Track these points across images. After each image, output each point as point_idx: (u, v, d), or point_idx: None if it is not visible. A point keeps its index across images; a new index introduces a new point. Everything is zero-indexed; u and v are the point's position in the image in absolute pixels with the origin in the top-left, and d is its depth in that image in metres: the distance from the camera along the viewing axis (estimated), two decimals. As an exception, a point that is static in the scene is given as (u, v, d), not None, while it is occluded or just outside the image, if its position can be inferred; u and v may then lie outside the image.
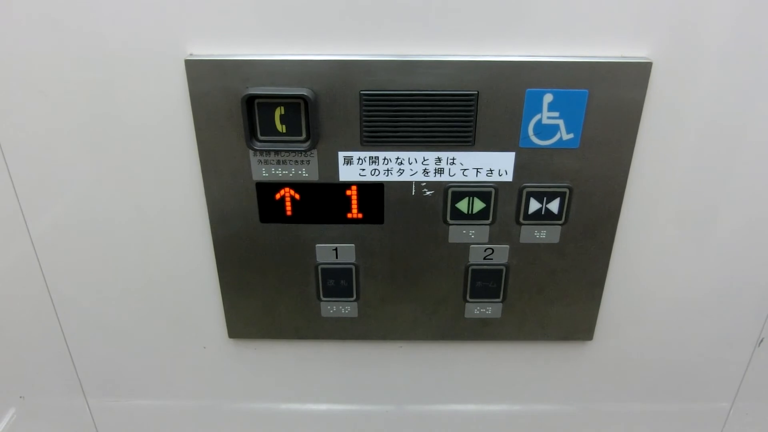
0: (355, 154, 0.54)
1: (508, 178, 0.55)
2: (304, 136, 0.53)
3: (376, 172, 0.55)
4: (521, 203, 0.57)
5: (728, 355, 0.69)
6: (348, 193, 0.56)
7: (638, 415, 0.74)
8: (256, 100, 0.51)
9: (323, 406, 0.74)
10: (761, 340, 0.68)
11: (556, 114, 0.53)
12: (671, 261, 0.62)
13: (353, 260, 0.60)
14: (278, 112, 0.52)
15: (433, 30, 0.50)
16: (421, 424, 0.75)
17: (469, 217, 0.57)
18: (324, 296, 0.62)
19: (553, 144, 0.54)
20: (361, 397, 0.72)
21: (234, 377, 0.71)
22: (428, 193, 0.56)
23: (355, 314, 0.63)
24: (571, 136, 0.54)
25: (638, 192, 0.58)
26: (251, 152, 0.54)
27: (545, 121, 0.53)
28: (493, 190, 0.56)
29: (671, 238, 0.61)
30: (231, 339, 0.67)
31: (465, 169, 0.55)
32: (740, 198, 0.58)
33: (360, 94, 0.51)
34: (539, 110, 0.52)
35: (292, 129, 0.53)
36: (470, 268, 0.60)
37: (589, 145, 0.54)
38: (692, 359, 0.69)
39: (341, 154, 0.54)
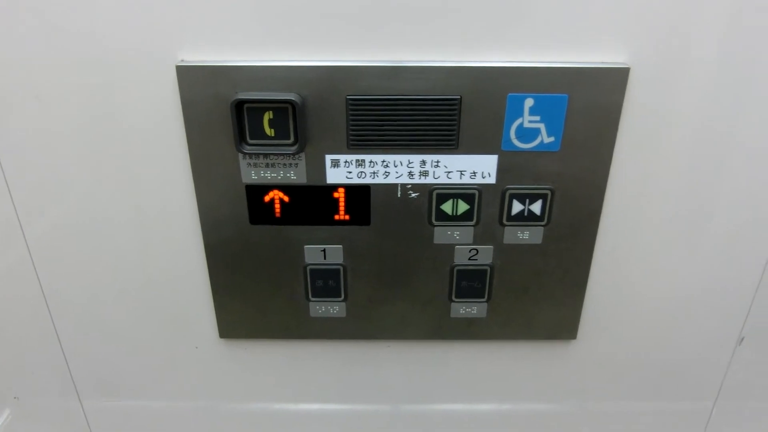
0: (342, 157, 0.55)
1: (492, 180, 0.57)
2: (292, 139, 0.54)
3: (363, 175, 0.56)
4: (504, 205, 0.58)
5: (710, 354, 0.71)
6: (335, 195, 0.57)
7: (623, 413, 0.75)
8: (246, 105, 0.53)
9: (314, 406, 0.75)
10: (742, 339, 0.69)
11: (537, 118, 0.54)
12: (653, 261, 0.63)
13: (341, 261, 0.61)
14: (267, 116, 0.53)
15: (417, 36, 0.52)
16: (411, 423, 0.76)
17: (454, 218, 0.59)
18: (313, 296, 0.64)
19: (534, 147, 0.55)
20: (352, 397, 0.74)
21: (226, 377, 0.72)
22: (414, 195, 0.57)
23: (343, 314, 0.65)
24: (552, 139, 0.55)
25: (619, 194, 0.59)
26: (241, 155, 0.56)
27: (527, 124, 0.54)
28: (476, 192, 0.57)
29: (652, 239, 0.62)
30: (222, 339, 0.68)
31: (449, 172, 0.56)
32: (720, 199, 0.60)
33: (346, 99, 0.53)
34: (521, 114, 0.54)
35: (281, 133, 0.54)
36: (455, 269, 0.62)
37: (570, 148, 0.56)
38: (675, 358, 0.71)
39: (328, 157, 0.55)
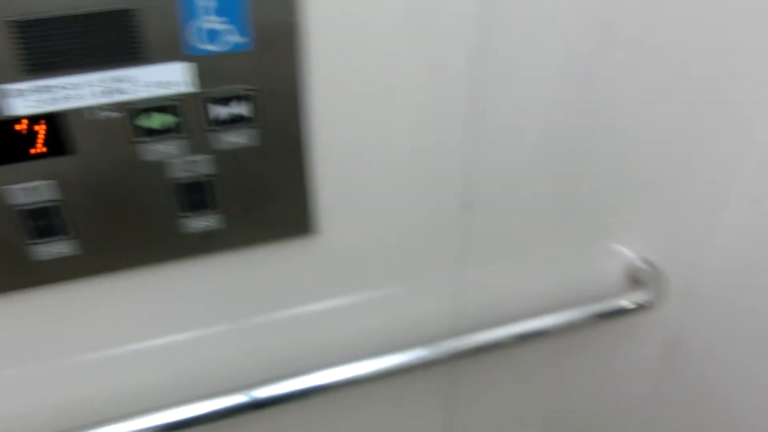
0: (21, 86, 0.52)
1: (191, 88, 0.56)
2: (-47, 73, 0.50)
3: (50, 101, 0.53)
4: (210, 111, 0.58)
5: (443, 224, 0.77)
6: (18, 127, 0.53)
7: (375, 300, 0.80)
8: None
9: (82, 357, 0.72)
10: (468, 204, 0.76)
11: (223, 18, 0.54)
12: (366, 142, 0.66)
13: (53, 197, 0.58)
14: None
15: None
16: (176, 353, 0.74)
17: (161, 132, 0.58)
18: (36, 238, 0.60)
19: (228, 49, 0.56)
20: (103, 341, 0.71)
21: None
22: (111, 114, 0.56)
23: (75, 251, 0.61)
24: (243, 39, 0.55)
25: (320, 83, 0.61)
26: None
27: (210, 25, 0.54)
28: (177, 103, 0.57)
29: (363, 120, 0.65)
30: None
31: (144, 85, 0.55)
32: (418, 69, 0.64)
33: (5, 21, 0.49)
34: (203, 15, 0.53)
35: (-59, 68, 0.50)
36: (176, 183, 0.61)
37: (263, 47, 0.56)
38: (409, 235, 0.76)
39: (4, 88, 0.52)
